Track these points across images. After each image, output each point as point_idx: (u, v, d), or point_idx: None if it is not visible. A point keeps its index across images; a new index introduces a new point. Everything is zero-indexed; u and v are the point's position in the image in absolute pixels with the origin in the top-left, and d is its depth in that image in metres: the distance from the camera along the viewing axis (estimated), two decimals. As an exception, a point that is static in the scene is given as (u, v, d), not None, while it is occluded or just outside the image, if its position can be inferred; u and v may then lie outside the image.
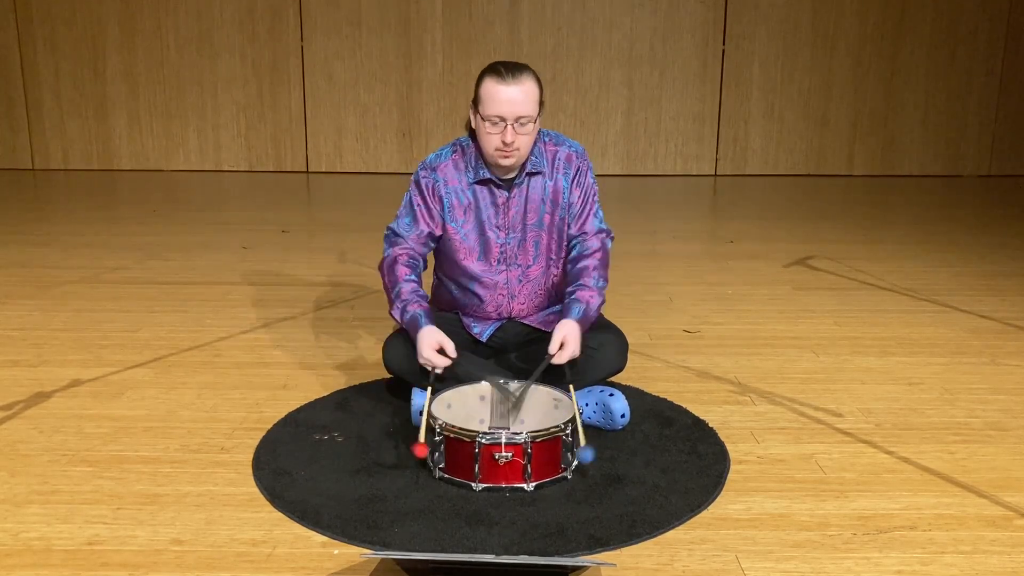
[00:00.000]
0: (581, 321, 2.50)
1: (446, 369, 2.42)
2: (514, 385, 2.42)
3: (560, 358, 2.42)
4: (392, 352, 2.60)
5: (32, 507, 2.12)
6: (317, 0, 7.16)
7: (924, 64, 7.32)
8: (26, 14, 7.21)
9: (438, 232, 2.62)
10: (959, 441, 2.52)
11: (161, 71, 7.31)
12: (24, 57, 7.29)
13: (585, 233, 2.64)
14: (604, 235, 2.67)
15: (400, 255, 2.59)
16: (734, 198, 6.76)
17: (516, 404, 2.39)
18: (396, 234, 2.63)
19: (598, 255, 2.61)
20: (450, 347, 2.42)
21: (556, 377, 2.46)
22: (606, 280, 2.62)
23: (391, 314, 2.57)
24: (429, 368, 2.40)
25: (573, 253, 2.64)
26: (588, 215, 2.65)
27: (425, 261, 2.67)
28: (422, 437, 2.24)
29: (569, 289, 2.57)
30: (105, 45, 7.26)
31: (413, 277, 2.57)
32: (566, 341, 2.43)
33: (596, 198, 2.67)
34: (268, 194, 6.70)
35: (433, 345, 2.41)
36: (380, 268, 2.64)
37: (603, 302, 2.60)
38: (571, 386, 2.41)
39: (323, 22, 7.21)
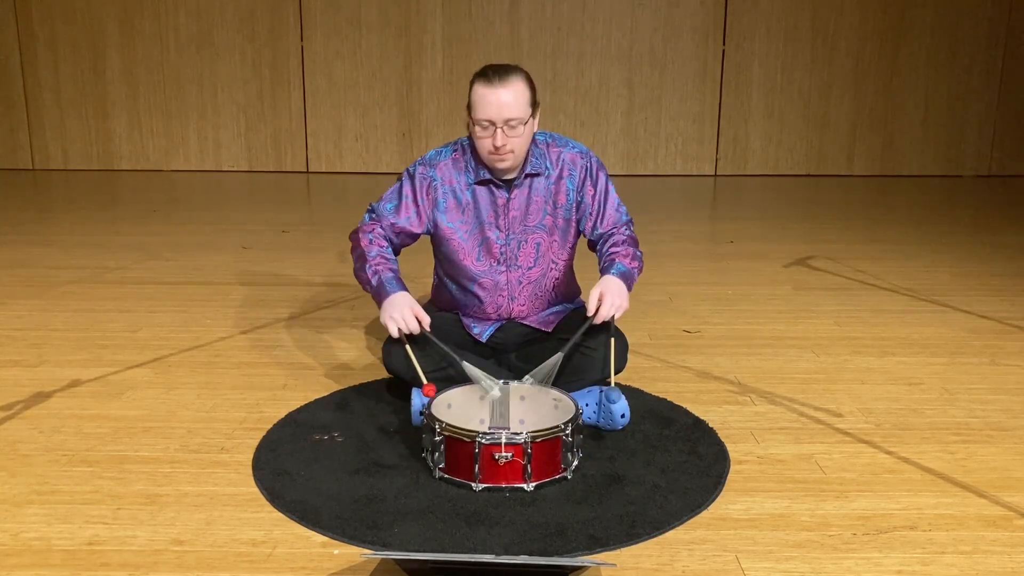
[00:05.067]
0: (619, 276, 2.55)
1: (421, 344, 2.51)
2: (525, 381, 2.44)
3: (600, 315, 2.47)
4: (392, 352, 2.60)
5: (32, 507, 2.12)
6: (317, 0, 7.16)
7: (924, 64, 7.31)
8: (26, 14, 7.20)
9: (416, 230, 2.63)
10: (959, 441, 2.52)
11: (161, 71, 7.30)
12: (24, 57, 7.29)
13: (615, 228, 2.68)
14: (628, 223, 2.73)
15: (377, 228, 2.63)
16: (734, 198, 6.76)
17: (507, 392, 2.42)
18: (376, 212, 2.66)
19: (626, 233, 2.68)
20: (426, 320, 2.49)
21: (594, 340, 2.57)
22: (640, 252, 2.68)
23: (358, 274, 2.59)
24: (397, 328, 2.46)
25: (601, 243, 2.68)
26: (610, 212, 2.68)
27: (396, 250, 2.68)
28: (424, 380, 2.37)
29: (605, 258, 2.62)
30: (105, 45, 7.26)
31: (389, 250, 2.62)
32: (603, 296, 2.48)
33: (613, 192, 2.69)
34: (268, 194, 6.70)
35: (413, 308, 2.47)
36: (354, 234, 2.66)
37: (642, 267, 2.66)
38: (612, 340, 2.49)
39: (323, 22, 7.21)
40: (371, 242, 2.60)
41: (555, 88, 7.23)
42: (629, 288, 2.56)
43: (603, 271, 2.58)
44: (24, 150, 7.49)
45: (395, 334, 2.47)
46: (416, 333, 2.48)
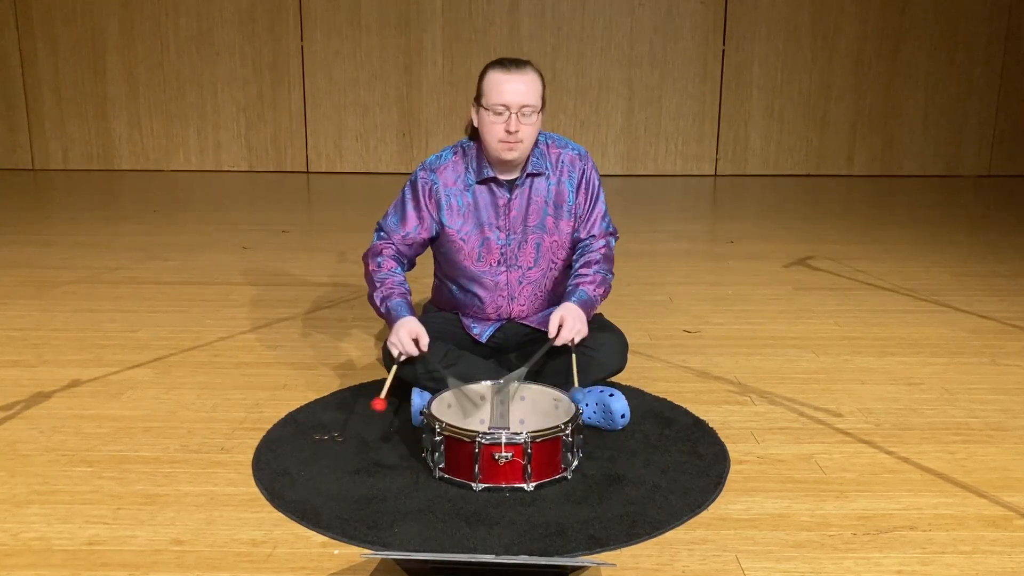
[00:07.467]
0: (580, 304, 2.55)
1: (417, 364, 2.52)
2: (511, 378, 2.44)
3: (561, 338, 2.49)
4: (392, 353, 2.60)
5: (32, 507, 2.12)
6: (317, 0, 7.17)
7: (924, 64, 7.32)
8: (26, 14, 7.21)
9: (424, 236, 2.64)
10: (959, 441, 2.52)
11: (161, 71, 7.31)
12: (24, 57, 7.29)
13: (593, 236, 2.68)
14: (610, 236, 2.72)
15: (386, 248, 2.64)
16: (734, 198, 6.76)
17: (506, 394, 2.42)
18: (383, 230, 2.67)
19: (602, 250, 2.67)
20: (424, 341, 2.48)
21: (561, 362, 2.56)
22: (611, 274, 2.68)
23: (370, 300, 2.62)
24: (396, 351, 2.47)
25: (577, 254, 2.66)
26: (596, 218, 2.68)
27: (410, 262, 2.71)
28: (383, 394, 2.35)
29: (571, 282, 2.62)
30: (105, 45, 7.26)
31: (398, 270, 2.63)
32: (563, 321, 2.49)
33: (603, 199, 2.69)
34: (268, 194, 6.70)
35: (411, 333, 2.47)
36: (365, 257, 2.69)
37: (608, 291, 2.66)
38: (574, 356, 2.50)
39: (323, 22, 7.21)
40: (379, 266, 2.62)
41: (555, 88, 7.23)
42: (588, 315, 2.58)
43: (566, 295, 2.59)
44: (24, 150, 7.49)
45: (395, 355, 2.50)
46: (415, 356, 2.49)
